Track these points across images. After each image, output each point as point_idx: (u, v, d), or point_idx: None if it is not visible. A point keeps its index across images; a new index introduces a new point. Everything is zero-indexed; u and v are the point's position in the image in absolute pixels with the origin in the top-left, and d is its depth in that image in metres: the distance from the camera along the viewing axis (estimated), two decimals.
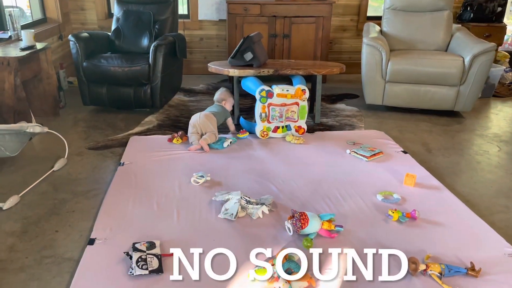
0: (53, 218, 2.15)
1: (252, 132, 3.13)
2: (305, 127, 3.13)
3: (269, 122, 3.06)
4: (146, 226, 2.04)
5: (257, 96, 2.99)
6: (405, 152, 2.92)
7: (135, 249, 1.81)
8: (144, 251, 1.81)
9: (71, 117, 3.58)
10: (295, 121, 3.10)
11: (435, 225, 2.09)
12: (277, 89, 2.99)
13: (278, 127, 3.08)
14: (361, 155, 2.80)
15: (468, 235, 2.02)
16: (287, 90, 3.00)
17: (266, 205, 2.15)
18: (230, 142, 2.95)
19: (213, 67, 3.31)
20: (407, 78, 3.58)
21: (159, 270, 1.73)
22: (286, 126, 3.10)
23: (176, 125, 3.38)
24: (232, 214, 2.09)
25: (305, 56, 4.52)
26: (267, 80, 3.49)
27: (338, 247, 1.85)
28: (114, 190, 2.36)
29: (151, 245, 1.86)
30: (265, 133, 3.08)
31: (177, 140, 2.98)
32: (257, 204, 2.15)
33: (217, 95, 3.22)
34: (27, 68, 3.25)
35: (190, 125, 2.98)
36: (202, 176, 2.46)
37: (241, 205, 2.14)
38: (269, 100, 3.00)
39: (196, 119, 2.95)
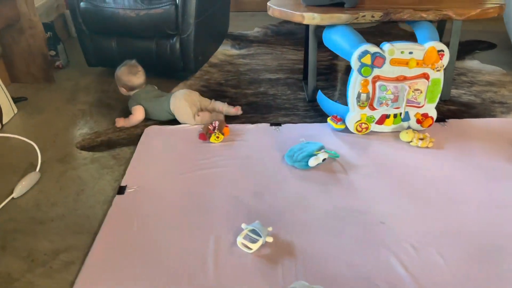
0: None
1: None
2: (434, 115, 1.82)
3: (373, 109, 1.78)
4: None
5: (354, 64, 1.70)
6: None
7: None
8: None
9: (69, 84, 2.48)
10: (419, 106, 1.79)
11: None
12: (392, 50, 1.67)
13: (386, 116, 1.80)
14: None
15: None
16: (410, 53, 1.68)
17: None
18: (324, 160, 1.63)
19: (276, 8, 2.00)
20: None
21: None
22: (400, 113, 1.80)
23: (223, 95, 2.19)
24: None
25: None
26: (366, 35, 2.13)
27: None
28: (95, 257, 1.28)
29: None
30: (364, 125, 1.81)
31: (216, 137, 1.80)
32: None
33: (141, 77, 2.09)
34: None
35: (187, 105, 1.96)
36: (258, 235, 1.30)
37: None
38: (376, 71, 1.70)
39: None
